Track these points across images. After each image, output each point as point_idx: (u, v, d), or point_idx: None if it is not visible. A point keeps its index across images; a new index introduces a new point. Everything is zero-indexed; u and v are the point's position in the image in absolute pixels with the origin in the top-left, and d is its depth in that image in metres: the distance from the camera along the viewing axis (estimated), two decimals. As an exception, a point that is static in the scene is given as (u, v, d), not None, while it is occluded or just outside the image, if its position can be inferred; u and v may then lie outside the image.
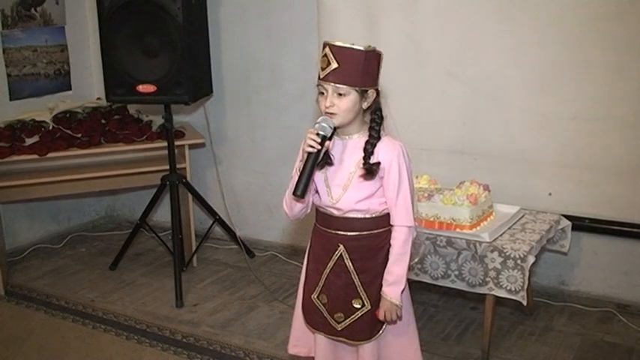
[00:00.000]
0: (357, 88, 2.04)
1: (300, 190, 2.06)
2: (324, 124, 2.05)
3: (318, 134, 2.05)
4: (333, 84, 2.03)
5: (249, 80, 4.08)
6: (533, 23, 3.12)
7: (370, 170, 2.08)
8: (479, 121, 3.34)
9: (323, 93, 2.06)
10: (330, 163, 2.13)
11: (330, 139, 2.07)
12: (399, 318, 2.19)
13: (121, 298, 3.62)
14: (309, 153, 2.05)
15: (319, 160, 2.08)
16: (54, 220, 4.52)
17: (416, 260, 2.20)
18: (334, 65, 2.01)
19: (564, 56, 3.10)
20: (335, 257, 2.18)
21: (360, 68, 2.03)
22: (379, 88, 2.11)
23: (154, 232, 4.01)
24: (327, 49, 2.03)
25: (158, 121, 3.93)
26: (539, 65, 3.16)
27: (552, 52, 3.12)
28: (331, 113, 2.06)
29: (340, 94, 2.04)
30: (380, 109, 2.12)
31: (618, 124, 3.05)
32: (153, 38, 3.42)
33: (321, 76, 2.04)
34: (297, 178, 2.08)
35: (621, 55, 2.98)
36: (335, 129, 2.09)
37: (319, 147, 2.04)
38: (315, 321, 2.26)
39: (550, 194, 3.25)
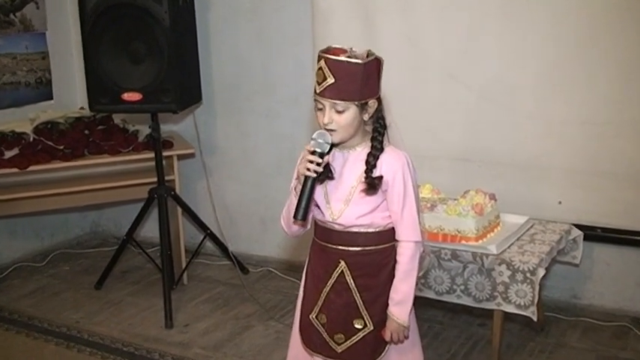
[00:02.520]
0: (356, 103, 2.02)
1: (301, 215, 2.04)
2: (320, 140, 2.03)
3: (314, 152, 2.02)
4: (330, 100, 2.00)
5: (240, 86, 4.07)
6: (539, 22, 3.12)
7: (372, 185, 2.06)
8: (483, 127, 3.33)
9: (321, 108, 2.04)
10: (331, 177, 2.11)
11: (327, 154, 2.05)
12: (407, 337, 2.17)
13: (107, 318, 3.58)
14: (306, 176, 2.03)
15: (317, 180, 2.06)
16: (36, 237, 4.49)
17: (420, 274, 2.18)
18: (330, 80, 1.98)
19: (572, 56, 3.09)
20: (336, 274, 2.16)
21: (358, 81, 2.00)
22: (381, 96, 2.08)
23: (142, 248, 3.99)
24: (322, 62, 1.99)
25: (145, 130, 3.91)
26: (545, 66, 3.15)
27: (560, 52, 3.11)
28: (330, 130, 2.03)
29: (339, 111, 2.01)
30: (383, 118, 2.10)
31: (630, 127, 3.04)
32: (138, 44, 3.40)
33: (318, 91, 2.01)
34: (295, 200, 2.06)
35: (633, 54, 2.97)
36: (332, 145, 2.06)
37: (319, 169, 2.02)
38: (314, 342, 2.23)
39: (560, 203, 3.24)
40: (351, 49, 2.01)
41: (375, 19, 3.44)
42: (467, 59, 3.30)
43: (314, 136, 2.03)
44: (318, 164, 2.02)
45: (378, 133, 2.08)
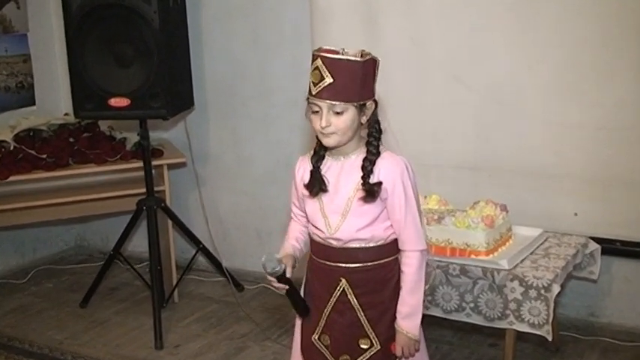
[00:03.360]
0: (355, 104, 2.03)
1: (304, 313, 2.23)
2: (272, 269, 2.08)
3: (275, 278, 2.10)
4: (328, 101, 2.01)
5: (234, 91, 4.08)
6: (550, 20, 3.12)
7: (371, 191, 2.06)
8: (493, 133, 3.33)
9: (317, 111, 2.04)
10: (325, 190, 2.11)
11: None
12: (417, 351, 2.18)
13: (93, 339, 3.58)
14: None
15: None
16: (17, 252, 4.49)
17: (426, 288, 2.19)
18: (328, 80, 1.99)
19: (586, 56, 3.09)
20: (337, 293, 2.16)
21: (357, 81, 2.01)
22: (376, 98, 2.10)
23: (130, 263, 3.99)
24: (318, 61, 2.01)
25: (133, 138, 3.91)
26: (557, 67, 3.15)
27: (572, 52, 3.11)
28: (328, 133, 2.04)
29: (337, 112, 2.02)
30: (378, 122, 2.11)
31: (650, 133, 3.04)
32: (126, 46, 3.42)
33: (314, 92, 2.02)
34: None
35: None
36: (326, 149, 2.10)
37: (286, 286, 2.12)
38: (318, 365, 2.24)
39: (576, 214, 3.24)
40: (343, 49, 2.01)
41: (376, 18, 3.45)
42: (474, 60, 3.30)
43: (262, 263, 2.08)
44: (283, 281, 2.13)
45: (373, 137, 2.10)
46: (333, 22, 3.55)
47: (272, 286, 2.14)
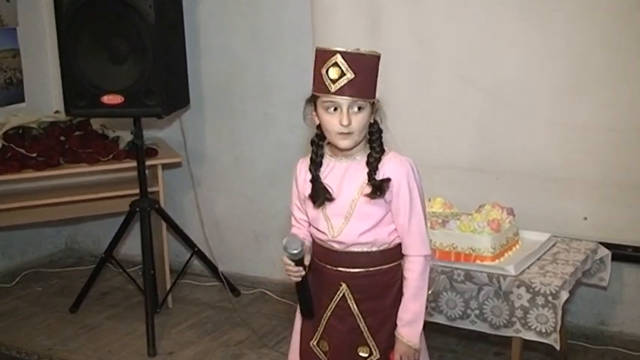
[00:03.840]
0: (371, 101, 2.06)
1: (309, 313, 2.21)
2: (293, 251, 2.08)
3: (292, 261, 2.10)
4: (351, 98, 2.02)
5: (232, 89, 4.08)
6: (560, 18, 3.13)
7: (379, 187, 2.07)
8: (500, 134, 3.34)
9: (335, 109, 2.05)
10: (330, 199, 2.13)
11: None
12: None
13: (83, 345, 3.58)
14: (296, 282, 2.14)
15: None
16: (5, 255, 4.49)
17: (429, 292, 2.20)
18: (350, 76, 2.01)
19: (597, 56, 3.10)
20: (337, 298, 2.17)
21: (373, 77, 2.05)
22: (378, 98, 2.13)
23: (122, 267, 3.98)
24: (337, 57, 2.01)
25: (126, 137, 3.92)
26: (567, 67, 3.16)
27: (583, 51, 3.12)
28: (348, 133, 2.05)
29: (359, 109, 2.04)
30: (377, 122, 2.13)
31: (663, 135, 3.05)
32: (120, 41, 3.42)
33: (333, 89, 2.02)
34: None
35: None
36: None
37: (302, 273, 2.12)
38: (316, 372, 2.24)
39: (585, 218, 3.24)
40: (357, 49, 2.04)
41: (380, 15, 3.45)
42: (481, 59, 3.31)
43: (284, 244, 2.08)
44: (302, 270, 2.12)
45: (375, 135, 2.11)
46: (336, 19, 3.55)
47: (288, 271, 2.12)
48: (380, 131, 2.12)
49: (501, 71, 3.28)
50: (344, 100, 2.03)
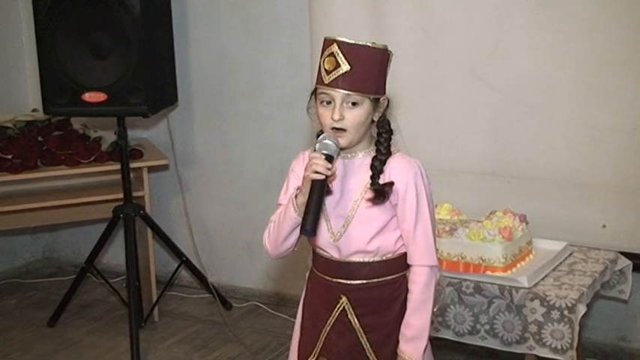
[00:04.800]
0: (370, 97, 2.05)
1: (310, 225, 2.02)
2: (328, 142, 2.03)
3: (323, 154, 2.02)
4: (343, 91, 2.02)
5: (223, 86, 4.09)
6: (580, 10, 3.13)
7: (381, 192, 2.07)
8: (513, 135, 3.34)
9: (330, 102, 2.05)
10: (329, 192, 2.11)
11: (336, 159, 2.06)
12: None
13: (62, 362, 3.58)
14: (315, 180, 2.01)
15: (326, 186, 2.05)
16: (-23, 264, 4.49)
17: (435, 309, 2.19)
18: (345, 67, 2.01)
19: (619, 53, 3.10)
20: (336, 312, 2.16)
21: (375, 71, 2.04)
22: (388, 97, 2.12)
23: (105, 278, 3.98)
24: (334, 47, 2.02)
25: (109, 137, 3.92)
26: (587, 63, 3.16)
27: (604, 47, 3.12)
28: (340, 129, 2.05)
29: (353, 104, 2.04)
30: (388, 122, 2.12)
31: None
32: (103, 34, 3.43)
33: (327, 81, 2.03)
34: (295, 211, 2.05)
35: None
36: (340, 149, 2.07)
37: (328, 172, 2.02)
38: (314, 391, 2.24)
39: (604, 226, 3.24)
40: (358, 41, 2.03)
41: (384, 6, 3.45)
42: (494, 54, 3.31)
43: (320, 138, 2.05)
44: (328, 168, 2.01)
45: (383, 137, 2.11)
46: (335, 11, 3.55)
47: (314, 164, 1.99)
48: (390, 132, 2.11)
49: (515, 67, 3.28)
50: (337, 93, 2.03)
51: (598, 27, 3.11)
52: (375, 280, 2.13)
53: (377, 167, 2.08)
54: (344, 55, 2.01)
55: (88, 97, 3.45)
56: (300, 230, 2.05)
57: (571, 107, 3.22)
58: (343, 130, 2.04)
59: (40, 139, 3.93)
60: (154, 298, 3.94)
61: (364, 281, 2.13)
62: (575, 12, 3.14)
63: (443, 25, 3.38)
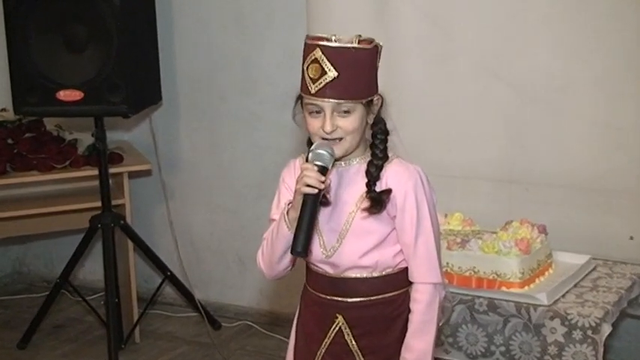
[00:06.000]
0: (363, 101, 2.04)
1: (302, 245, 2.01)
2: (322, 152, 2.02)
3: (316, 165, 2.00)
4: (333, 101, 2.01)
5: (212, 83, 4.09)
6: (603, 3, 3.14)
7: (378, 200, 2.07)
8: (530, 137, 3.34)
9: (319, 112, 2.04)
10: (326, 203, 2.11)
11: (330, 169, 2.05)
12: None
13: (33, 388, 3.58)
14: (307, 194, 2.00)
15: (320, 200, 2.04)
16: (-60, 280, 4.50)
17: (442, 323, 2.19)
18: (332, 74, 1.99)
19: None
20: (332, 333, 2.16)
21: (366, 73, 2.03)
22: (381, 94, 2.11)
23: (81, 295, 3.99)
24: (317, 52, 2.00)
25: (86, 140, 3.92)
26: (611, 59, 3.16)
27: (630, 40, 3.12)
28: (334, 139, 2.04)
29: (345, 112, 2.03)
30: (383, 121, 2.13)
31: None
32: (79, 26, 3.44)
33: (313, 91, 2.01)
34: (287, 229, 2.04)
35: None
36: (332, 157, 2.04)
37: (322, 186, 2.00)
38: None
39: (632, 238, 3.24)
40: (335, 35, 2.01)
41: (389, -5, 3.47)
42: (509, 48, 3.31)
43: (313, 147, 2.04)
44: (322, 181, 2.00)
45: (378, 139, 2.11)
46: (335, 1, 3.55)
47: (306, 176, 1.97)
48: (386, 133, 2.11)
49: (533, 62, 3.28)
50: (326, 103, 2.02)
51: (623, 17, 3.11)
52: (374, 297, 2.13)
53: (373, 173, 2.08)
54: (329, 61, 1.99)
55: (63, 95, 3.45)
56: (291, 250, 2.04)
57: (594, 106, 3.22)
58: (339, 139, 2.04)
59: (9, 141, 3.93)
60: (135, 317, 3.94)
61: (362, 299, 2.13)
62: (598, 4, 3.15)
63: (453, 15, 3.38)
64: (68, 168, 3.88)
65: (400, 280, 2.14)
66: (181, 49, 4.13)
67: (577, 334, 2.74)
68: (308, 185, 1.99)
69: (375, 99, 2.08)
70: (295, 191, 2.04)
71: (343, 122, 2.03)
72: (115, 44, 3.40)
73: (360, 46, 2.01)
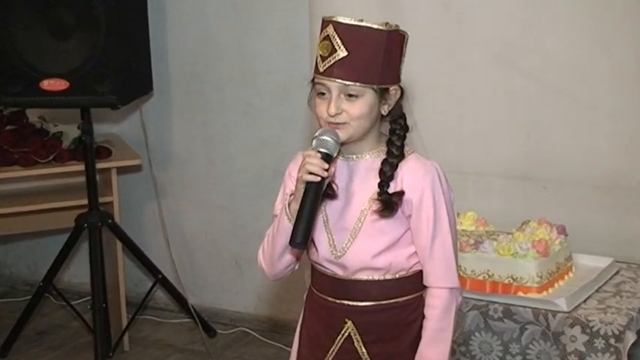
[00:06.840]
0: (374, 87, 2.04)
1: (301, 237, 2.01)
2: (326, 138, 2.03)
3: (319, 152, 2.01)
4: (340, 81, 2.02)
5: (207, 72, 4.09)
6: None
7: (388, 203, 2.07)
8: (549, 132, 3.34)
9: (324, 93, 2.05)
10: (333, 196, 2.11)
11: (335, 158, 2.05)
12: None
13: (15, 399, 3.59)
14: (309, 183, 2.01)
15: (323, 189, 2.05)
16: None
17: (455, 337, 2.19)
18: (342, 53, 2.00)
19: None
20: (340, 339, 2.16)
21: (380, 57, 2.03)
22: (403, 86, 2.11)
23: (65, 299, 3.99)
24: (329, 29, 2.02)
25: (72, 132, 3.92)
26: (637, 47, 3.16)
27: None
28: (338, 123, 2.04)
29: (351, 96, 2.03)
30: (403, 117, 2.12)
31: None
32: (65, 11, 3.45)
33: (322, 69, 2.03)
34: (288, 221, 2.04)
35: None
36: (341, 145, 2.06)
37: (324, 173, 2.01)
38: None
39: (657, 239, 3.25)
40: (361, 21, 2.02)
41: (397, -22, 3.47)
42: (527, 37, 3.32)
43: (317, 133, 2.04)
44: (325, 169, 2.00)
45: (396, 135, 2.11)
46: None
47: (308, 163, 1.98)
48: (405, 129, 2.12)
49: (551, 51, 3.29)
50: (333, 83, 2.03)
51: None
52: (386, 301, 2.13)
53: (387, 173, 2.08)
54: (340, 39, 2.00)
55: (47, 84, 3.45)
56: (290, 241, 2.04)
57: (617, 99, 3.22)
58: (342, 123, 2.04)
59: (-11, 134, 3.93)
60: (124, 324, 3.94)
61: (373, 303, 2.13)
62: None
63: (468, 2, 3.38)
64: (52, 163, 3.88)
65: (414, 283, 2.14)
66: (174, 36, 4.13)
67: (599, 343, 2.74)
68: (310, 173, 2.00)
69: (391, 89, 2.08)
70: (297, 180, 2.05)
71: (349, 106, 2.03)
72: (103, 30, 3.40)
73: (375, 26, 2.01)
